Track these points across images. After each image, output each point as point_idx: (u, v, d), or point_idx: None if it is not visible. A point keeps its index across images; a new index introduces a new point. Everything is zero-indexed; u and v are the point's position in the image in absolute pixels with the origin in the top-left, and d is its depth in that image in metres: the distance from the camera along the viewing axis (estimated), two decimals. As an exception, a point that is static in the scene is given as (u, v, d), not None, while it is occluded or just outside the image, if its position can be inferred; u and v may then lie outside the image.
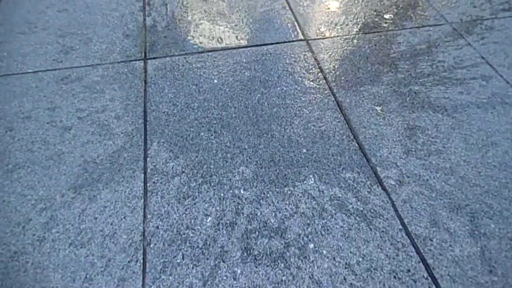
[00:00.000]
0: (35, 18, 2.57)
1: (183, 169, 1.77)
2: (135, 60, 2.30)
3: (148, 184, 1.70)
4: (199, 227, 1.57)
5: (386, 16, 2.57)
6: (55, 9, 2.64)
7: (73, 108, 2.03)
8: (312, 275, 1.44)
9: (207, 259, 1.48)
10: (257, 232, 1.55)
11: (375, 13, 2.62)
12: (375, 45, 2.39)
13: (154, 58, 2.31)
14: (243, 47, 2.38)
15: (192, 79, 2.18)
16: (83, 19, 2.57)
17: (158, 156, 1.82)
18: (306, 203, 1.63)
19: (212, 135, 1.91)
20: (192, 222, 1.58)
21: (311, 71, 2.22)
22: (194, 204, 1.64)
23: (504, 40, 2.41)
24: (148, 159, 1.80)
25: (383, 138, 1.89)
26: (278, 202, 1.64)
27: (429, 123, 1.95)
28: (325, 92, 2.11)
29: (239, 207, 1.62)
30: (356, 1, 2.71)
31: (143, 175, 1.74)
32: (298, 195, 1.66)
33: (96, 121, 1.97)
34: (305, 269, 1.45)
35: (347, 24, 2.53)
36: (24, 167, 1.76)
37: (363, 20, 2.56)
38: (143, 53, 2.34)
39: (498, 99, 2.07)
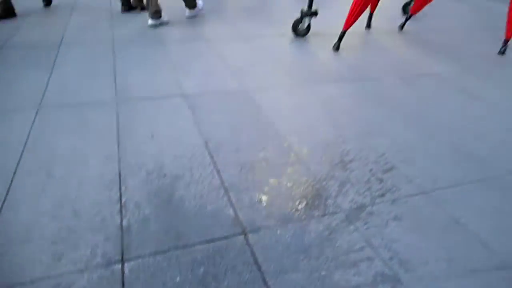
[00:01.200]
0: (31, 226, 3.00)
1: None
2: (114, 263, 2.76)
3: None
4: None
5: (299, 208, 3.34)
6: (48, 216, 3.11)
7: (64, 317, 2.38)
8: None
9: None
10: None
11: (292, 204, 3.39)
12: (295, 234, 3.08)
13: (129, 260, 2.79)
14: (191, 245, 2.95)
15: (163, 282, 2.67)
16: (71, 226, 3.04)
17: None
18: None
19: (177, 333, 2.33)
20: None
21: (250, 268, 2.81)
22: None
23: (380, 223, 3.23)
24: None
25: (302, 323, 2.43)
26: None
27: (333, 306, 2.55)
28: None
29: None
30: (279, 192, 3.49)
31: None
32: None
33: (84, 329, 2.32)
34: None
35: (277, 214, 3.24)
36: None
37: (284, 211, 3.30)
38: (120, 256, 2.82)
39: (379, 278, 2.75)
